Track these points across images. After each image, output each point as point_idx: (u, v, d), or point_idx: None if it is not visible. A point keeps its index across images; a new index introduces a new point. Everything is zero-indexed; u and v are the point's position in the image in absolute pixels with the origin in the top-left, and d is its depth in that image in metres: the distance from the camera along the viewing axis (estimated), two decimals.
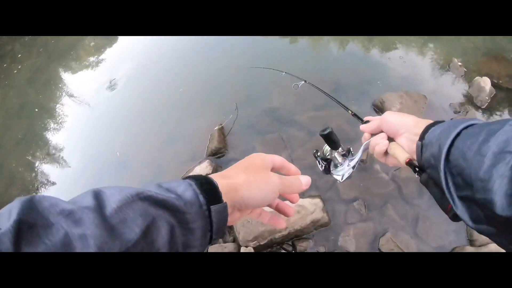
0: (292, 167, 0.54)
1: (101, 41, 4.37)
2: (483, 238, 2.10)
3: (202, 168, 2.28)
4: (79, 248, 0.29)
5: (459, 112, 2.71)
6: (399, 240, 2.12)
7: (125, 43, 4.21)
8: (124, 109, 3.11)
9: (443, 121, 0.56)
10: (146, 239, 0.34)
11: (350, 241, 2.08)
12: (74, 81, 3.99)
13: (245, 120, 2.63)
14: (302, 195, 2.18)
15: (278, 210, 0.54)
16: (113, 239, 0.31)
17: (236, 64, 3.27)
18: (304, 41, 3.57)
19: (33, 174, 3.19)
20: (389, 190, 2.22)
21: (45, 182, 3.11)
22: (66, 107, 3.65)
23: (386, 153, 0.67)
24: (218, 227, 0.42)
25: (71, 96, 3.77)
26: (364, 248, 2.07)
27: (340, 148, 0.76)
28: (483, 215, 0.41)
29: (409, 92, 2.60)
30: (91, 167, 2.81)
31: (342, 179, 0.77)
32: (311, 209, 2.07)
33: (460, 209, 0.44)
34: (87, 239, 0.29)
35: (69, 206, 0.31)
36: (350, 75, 2.93)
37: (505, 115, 2.81)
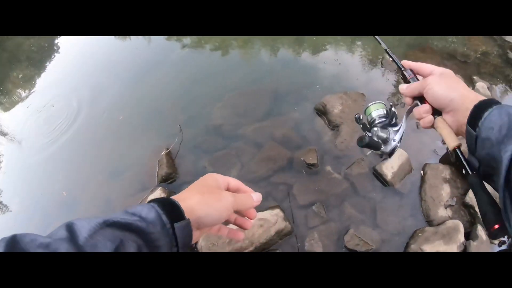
0: (248, 189, 0.60)
1: (29, 72, 4.02)
2: (439, 217, 2.23)
3: (156, 197, 2.16)
4: None
5: (397, 104, 2.90)
6: (362, 234, 2.18)
7: (55, 70, 3.92)
8: (65, 144, 2.86)
9: (491, 101, 0.52)
10: None
11: (316, 244, 2.11)
12: (6, 117, 3.62)
13: (191, 141, 2.55)
14: (261, 208, 2.16)
15: (237, 224, 0.60)
16: None
17: (173, 84, 3.18)
18: (235, 52, 3.58)
19: None
20: (343, 189, 2.29)
21: None
22: (1, 147, 3.30)
23: (433, 125, 0.64)
24: (183, 242, 0.46)
25: (5, 134, 3.41)
26: (331, 248, 2.11)
27: (382, 146, 0.80)
28: None
29: (348, 92, 2.72)
30: (38, 210, 2.55)
31: (390, 156, 0.80)
32: (273, 220, 2.06)
33: None
34: None
35: (46, 240, 0.36)
36: (288, 82, 2.98)
37: None
